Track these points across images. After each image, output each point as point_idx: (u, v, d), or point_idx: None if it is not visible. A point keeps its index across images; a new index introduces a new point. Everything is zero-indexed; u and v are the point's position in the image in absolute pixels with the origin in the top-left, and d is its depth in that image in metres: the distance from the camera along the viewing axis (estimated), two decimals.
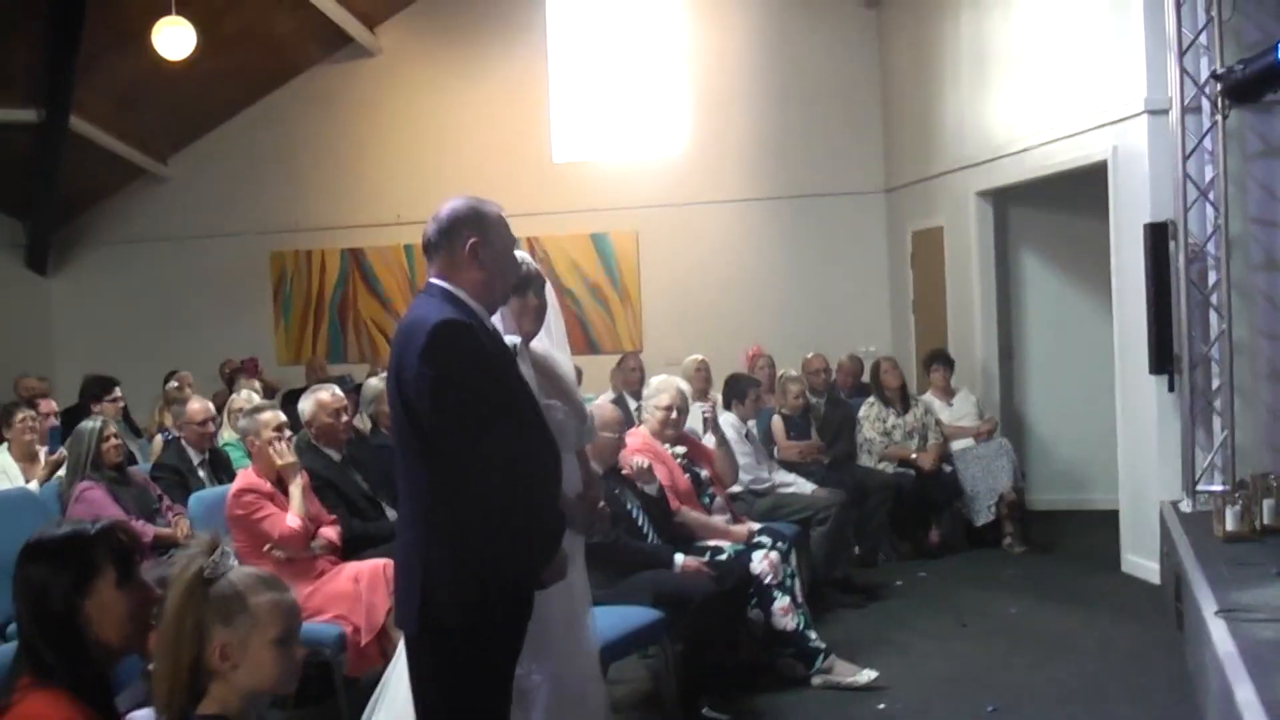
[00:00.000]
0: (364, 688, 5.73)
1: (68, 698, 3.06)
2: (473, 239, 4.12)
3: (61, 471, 8.91)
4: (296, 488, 6.85)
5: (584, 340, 14.77)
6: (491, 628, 4.05)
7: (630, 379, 11.72)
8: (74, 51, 12.78)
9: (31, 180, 14.88)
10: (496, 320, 4.45)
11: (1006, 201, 11.93)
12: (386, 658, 6.15)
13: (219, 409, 10.87)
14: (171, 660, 3.01)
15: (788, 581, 7.27)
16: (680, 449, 8.08)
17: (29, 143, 14.20)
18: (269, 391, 12.42)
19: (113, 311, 16.29)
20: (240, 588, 3.08)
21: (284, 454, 6.91)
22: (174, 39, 12.20)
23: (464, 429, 3.90)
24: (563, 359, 5.07)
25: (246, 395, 9.92)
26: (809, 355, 11.45)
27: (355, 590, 6.55)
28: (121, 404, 10.78)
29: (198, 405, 8.87)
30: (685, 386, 8.23)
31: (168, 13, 12.18)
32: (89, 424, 8.13)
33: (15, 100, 13.60)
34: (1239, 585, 6.37)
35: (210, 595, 3.05)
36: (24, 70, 13.24)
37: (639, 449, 7.65)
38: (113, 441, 7.95)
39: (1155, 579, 8.88)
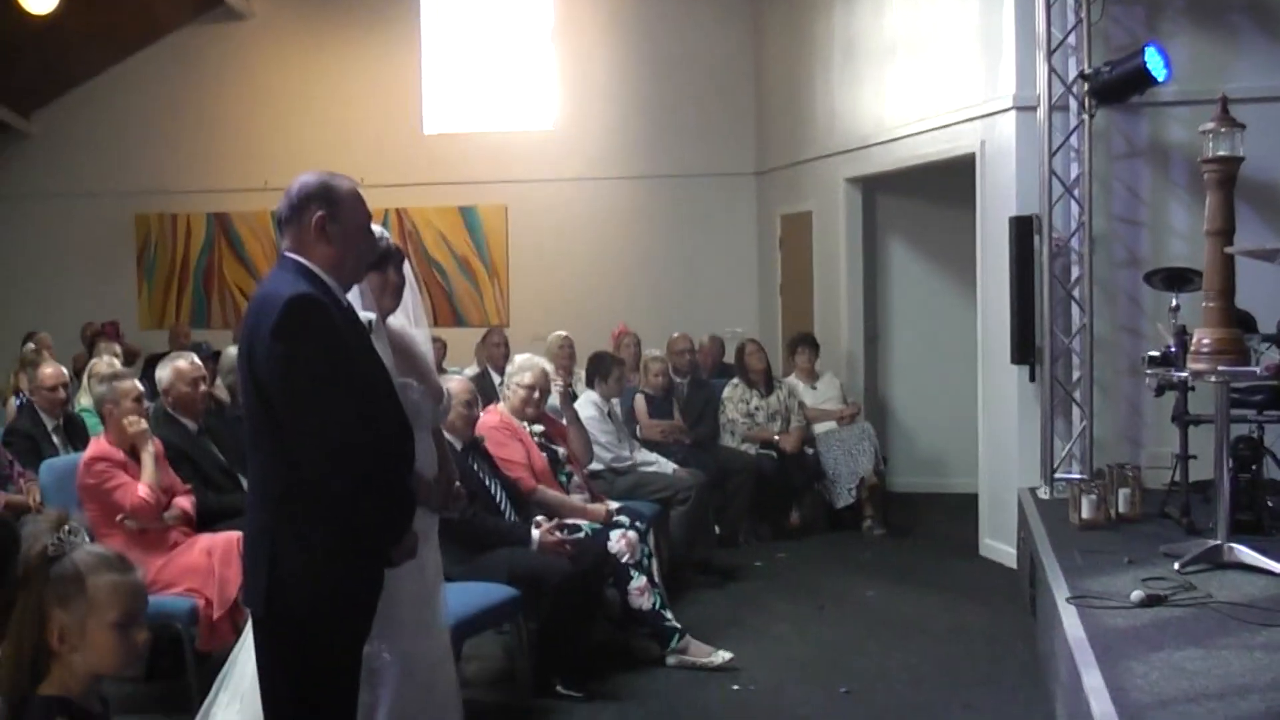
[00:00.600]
0: (216, 662, 5.63)
1: None
2: (320, 213, 4.03)
3: None
4: (149, 455, 6.69)
5: (451, 313, 14.70)
6: (340, 608, 3.98)
7: (495, 354, 11.65)
8: None
9: None
10: (353, 296, 4.37)
11: (875, 190, 12.02)
12: (239, 633, 6.05)
13: (78, 373, 10.67)
14: (14, 641, 2.93)
15: (645, 561, 7.26)
16: (538, 427, 8.01)
17: None
18: (129, 357, 12.15)
19: None
20: (80, 568, 3.00)
21: (135, 422, 6.74)
22: None
23: (314, 406, 3.82)
24: (420, 336, 5.01)
25: (108, 361, 9.68)
26: (674, 335, 11.43)
27: (208, 564, 6.42)
28: None
29: (50, 370, 8.67)
30: (549, 367, 8.18)
31: None
32: None
33: None
34: (1092, 573, 6.47)
35: (50, 575, 2.97)
36: None
37: (496, 425, 7.60)
38: None
39: (1012, 564, 9.01)
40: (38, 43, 14.04)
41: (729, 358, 12.24)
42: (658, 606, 7.14)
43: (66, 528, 3.03)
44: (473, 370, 11.29)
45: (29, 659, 2.94)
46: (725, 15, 14.52)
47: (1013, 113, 9.18)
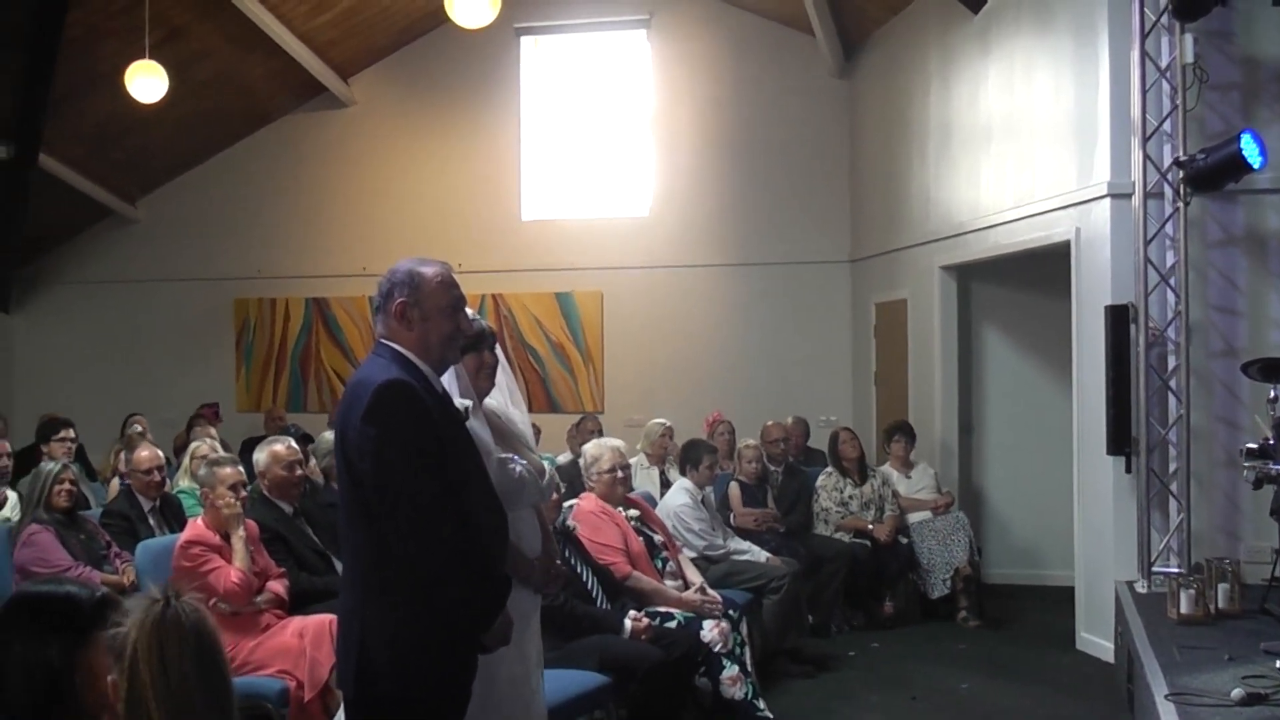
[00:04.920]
0: None
1: None
2: (401, 299, 4.13)
3: (4, 513, 8.88)
4: (239, 540, 6.76)
5: (545, 399, 14.75)
6: (430, 693, 4.02)
7: (588, 440, 11.66)
8: (46, 91, 12.90)
9: None
10: (449, 380, 4.43)
11: (970, 277, 11.98)
12: (329, 714, 6.10)
13: (177, 453, 10.79)
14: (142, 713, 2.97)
15: (737, 650, 7.25)
16: (633, 511, 8.04)
17: None
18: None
19: (74, 351, 16.27)
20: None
21: (229, 505, 6.82)
22: (147, 83, 12.14)
23: (402, 489, 3.88)
24: (518, 416, 5.04)
25: (210, 444, 9.81)
26: (768, 423, 11.42)
27: (300, 645, 6.47)
28: (71, 445, 10.66)
29: (146, 453, 8.75)
30: (619, 444, 8.19)
31: (142, 56, 12.15)
32: (49, 466, 8.10)
33: None
34: (1190, 669, 6.34)
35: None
36: None
37: (591, 510, 7.62)
38: (66, 486, 7.88)
39: (1109, 657, 8.87)
40: (144, 130, 14.45)
41: (815, 442, 12.23)
42: (750, 696, 7.12)
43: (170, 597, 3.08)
44: (566, 457, 11.31)
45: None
46: (820, 101, 14.57)
47: (1107, 200, 9.14)
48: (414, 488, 3.88)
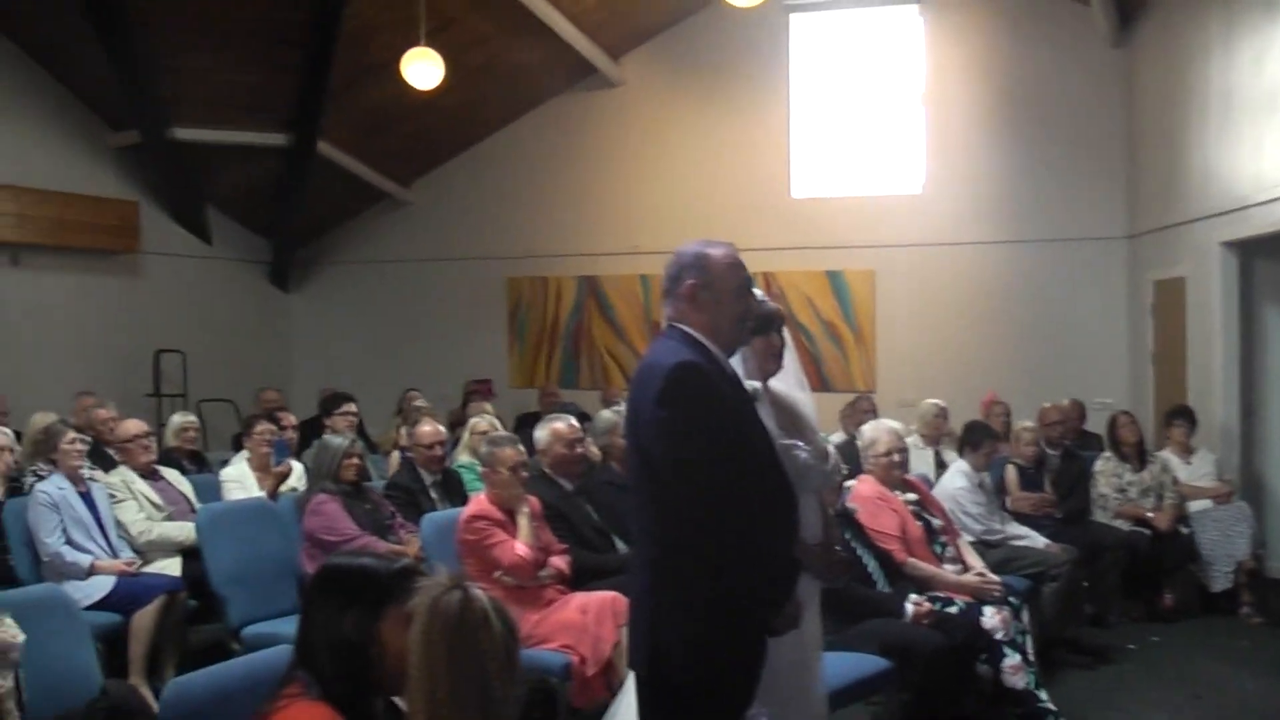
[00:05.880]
0: (586, 718, 5.75)
1: (333, 712, 3.16)
2: (691, 281, 4.15)
3: (291, 483, 9.22)
4: (524, 517, 6.92)
5: (817, 378, 14.67)
6: (721, 676, 4.06)
7: (863, 421, 11.52)
8: (325, 81, 13.57)
9: (279, 201, 15.50)
10: (736, 362, 4.43)
11: (1253, 254, 11.50)
12: (611, 690, 6.19)
13: (452, 427, 11.06)
14: (428, 693, 3.05)
15: (1019, 638, 7.13)
16: (911, 495, 7.95)
17: (278, 166, 14.89)
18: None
19: (349, 328, 16.90)
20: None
21: (512, 484, 6.97)
22: (423, 70, 12.50)
23: (693, 472, 3.91)
24: (804, 398, 5.02)
25: (490, 422, 10.02)
26: (1046, 405, 11.17)
27: (582, 621, 6.60)
28: (354, 419, 11.03)
29: (428, 428, 9.04)
30: (896, 425, 8.10)
31: (417, 44, 12.51)
32: (337, 441, 8.39)
33: (267, 125, 14.37)
34: None
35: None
36: (277, 98, 14.05)
37: (869, 495, 7.57)
38: (354, 460, 8.16)
39: None
40: (419, 116, 14.93)
41: (1090, 425, 11.96)
42: (1032, 686, 7.00)
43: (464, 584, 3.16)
44: (839, 437, 11.26)
45: (446, 713, 3.06)
46: (1095, 72, 14.24)
47: None
48: (706, 471, 3.91)
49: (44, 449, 8.87)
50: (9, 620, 4.49)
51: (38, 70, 13.87)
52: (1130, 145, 14.08)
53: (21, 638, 4.48)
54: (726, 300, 4.21)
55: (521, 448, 7.23)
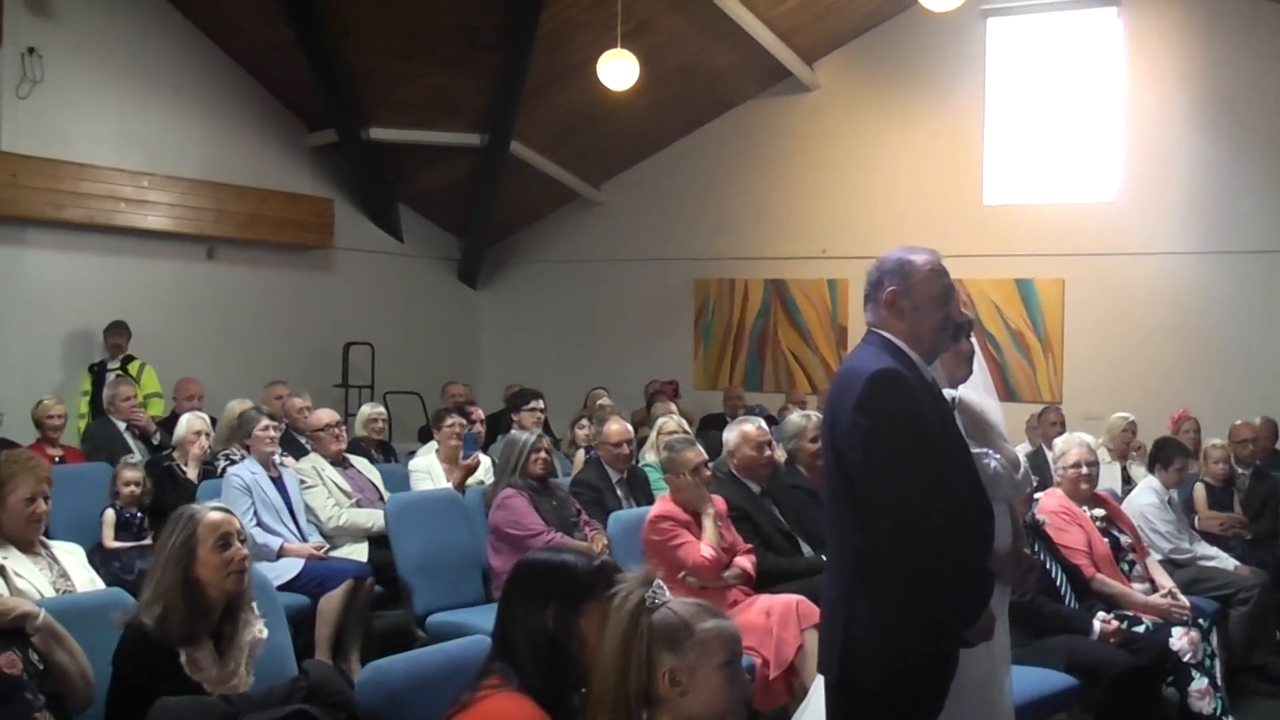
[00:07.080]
0: None
1: (535, 705, 3.24)
2: (892, 288, 4.17)
3: (478, 476, 9.36)
4: (709, 519, 6.97)
5: (1003, 388, 14.41)
6: (912, 685, 4.06)
7: (1050, 432, 11.40)
8: (520, 83, 13.83)
9: (471, 200, 15.77)
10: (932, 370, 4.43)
11: None
12: (793, 695, 6.22)
13: (636, 426, 11.16)
14: (618, 688, 3.11)
15: (1207, 662, 7.00)
16: (1099, 511, 7.84)
17: (472, 165, 15.19)
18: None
19: (536, 326, 17.15)
20: (685, 616, 3.17)
21: (694, 486, 7.02)
22: (618, 71, 12.63)
23: (890, 479, 3.92)
24: (992, 405, 4.99)
25: (678, 422, 10.08)
26: (1237, 423, 10.88)
27: (766, 624, 6.61)
28: (541, 415, 11.17)
29: (616, 427, 9.10)
30: (1088, 439, 7.99)
31: (613, 46, 12.64)
32: (525, 435, 8.48)
33: (462, 126, 14.68)
34: None
35: (655, 624, 3.14)
36: (472, 99, 14.39)
37: (1056, 509, 7.49)
38: (541, 455, 8.25)
39: None
40: (611, 117, 15.10)
41: None
42: (1219, 713, 6.86)
43: (656, 583, 3.21)
44: (1025, 448, 11.13)
45: (634, 706, 3.13)
46: None
47: None
48: (904, 479, 3.92)
49: (238, 434, 9.20)
50: (261, 623, 4.62)
51: (240, 72, 14.45)
52: None
53: (265, 634, 4.61)
54: (927, 307, 4.21)
55: (701, 449, 7.29)
